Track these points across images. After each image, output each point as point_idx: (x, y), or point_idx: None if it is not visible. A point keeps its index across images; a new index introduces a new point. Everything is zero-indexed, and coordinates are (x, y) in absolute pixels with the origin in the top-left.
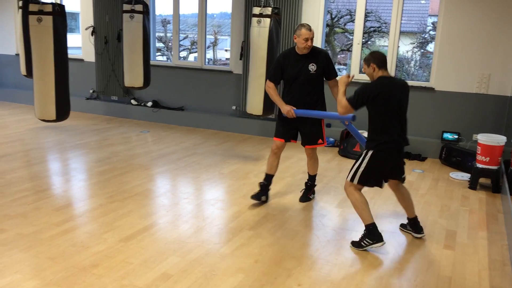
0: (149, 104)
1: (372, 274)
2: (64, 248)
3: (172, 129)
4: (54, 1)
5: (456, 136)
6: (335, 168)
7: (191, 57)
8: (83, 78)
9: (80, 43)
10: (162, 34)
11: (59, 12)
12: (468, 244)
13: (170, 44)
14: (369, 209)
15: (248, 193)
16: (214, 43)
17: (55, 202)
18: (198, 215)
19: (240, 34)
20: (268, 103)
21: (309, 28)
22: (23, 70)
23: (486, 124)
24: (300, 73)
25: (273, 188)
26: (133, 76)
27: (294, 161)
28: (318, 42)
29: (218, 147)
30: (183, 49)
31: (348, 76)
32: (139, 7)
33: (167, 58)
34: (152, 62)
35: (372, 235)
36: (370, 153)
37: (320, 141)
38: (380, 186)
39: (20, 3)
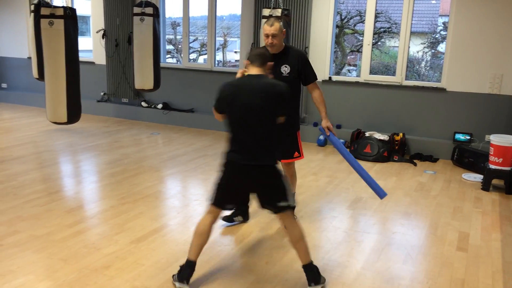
0: (160, 106)
1: (384, 277)
2: (76, 250)
3: (182, 131)
4: (65, 5)
5: (468, 137)
6: (345, 170)
7: (201, 59)
8: (94, 81)
9: (91, 46)
10: (172, 37)
11: (70, 16)
12: (481, 246)
13: (179, 46)
14: (200, 247)
15: None
16: (224, 45)
17: (67, 204)
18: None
19: (249, 35)
20: None
21: (271, 23)
22: (35, 73)
23: (498, 125)
24: (272, 75)
25: None
26: (143, 79)
27: (304, 162)
28: (328, 43)
29: None
30: (193, 51)
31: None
32: (149, 10)
33: (177, 60)
34: (162, 65)
35: (181, 274)
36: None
37: (296, 154)
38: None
39: (32, 7)
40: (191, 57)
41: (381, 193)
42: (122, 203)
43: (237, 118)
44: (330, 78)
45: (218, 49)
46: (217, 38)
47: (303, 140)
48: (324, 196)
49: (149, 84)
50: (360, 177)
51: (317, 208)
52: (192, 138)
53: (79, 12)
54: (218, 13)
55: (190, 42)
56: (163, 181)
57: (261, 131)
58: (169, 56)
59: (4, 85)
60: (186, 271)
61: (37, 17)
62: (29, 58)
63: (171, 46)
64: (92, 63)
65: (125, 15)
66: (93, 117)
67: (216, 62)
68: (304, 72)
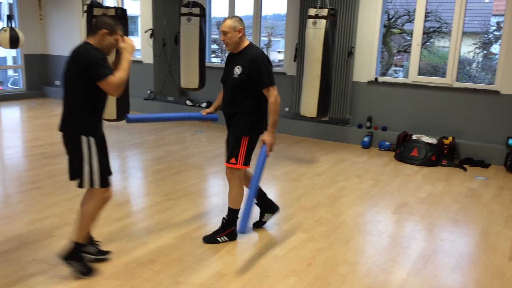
0: (204, 104)
1: (432, 285)
2: (124, 243)
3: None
4: (116, 5)
5: None
6: (390, 173)
7: None
8: (142, 79)
9: (139, 46)
10: (217, 36)
11: (121, 16)
12: None
13: (224, 46)
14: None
15: (301, 196)
16: (268, 45)
17: (115, 198)
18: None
19: (294, 35)
20: (322, 105)
21: (224, 20)
22: None
23: None
24: (227, 75)
25: (327, 191)
26: (189, 78)
27: (348, 164)
28: (375, 43)
29: None
30: None
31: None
32: (196, 10)
33: (221, 60)
34: (207, 64)
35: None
36: None
37: (232, 160)
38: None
39: (85, 8)
40: None
41: (241, 226)
42: (167, 200)
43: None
44: (376, 79)
45: (262, 48)
46: (261, 38)
47: (347, 142)
48: (368, 199)
49: (195, 83)
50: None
51: (361, 211)
52: None
53: (128, 13)
54: (263, 13)
55: None
56: (206, 179)
57: (67, 96)
58: (213, 55)
59: (57, 83)
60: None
61: (90, 18)
62: None
63: (216, 45)
64: (140, 62)
65: (173, 15)
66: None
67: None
68: (255, 76)
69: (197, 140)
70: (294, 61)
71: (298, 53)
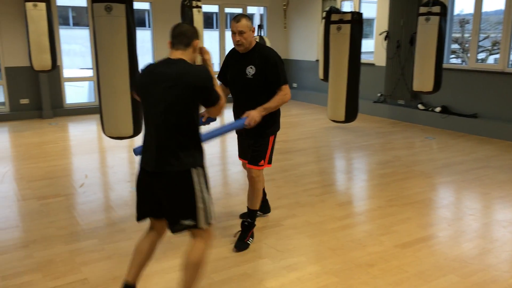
0: (438, 109)
1: None
2: (344, 242)
3: (462, 137)
4: (353, 10)
5: None
6: None
7: (491, 59)
8: (372, 82)
9: (372, 48)
10: (458, 35)
11: (356, 20)
12: None
13: (466, 45)
14: (132, 263)
15: None
16: None
17: (338, 198)
18: (485, 235)
19: None
20: None
21: (238, 19)
22: (320, 74)
23: None
24: (237, 76)
25: None
26: (422, 80)
27: None
28: None
29: None
30: (482, 51)
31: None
32: (436, 9)
33: (462, 61)
34: (444, 65)
35: None
36: None
37: (261, 162)
38: (137, 218)
39: (324, 14)
40: (479, 57)
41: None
42: (389, 205)
43: (150, 111)
44: None
45: None
46: None
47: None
48: None
49: (429, 86)
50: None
51: None
52: (472, 146)
53: (365, 15)
54: None
55: (480, 41)
56: (434, 188)
57: (167, 130)
58: (453, 56)
59: (294, 85)
60: None
61: (327, 23)
62: (317, 61)
63: (457, 45)
64: (372, 64)
65: (410, 16)
66: (368, 117)
67: (511, 63)
68: (271, 75)
69: (427, 147)
70: None
71: None
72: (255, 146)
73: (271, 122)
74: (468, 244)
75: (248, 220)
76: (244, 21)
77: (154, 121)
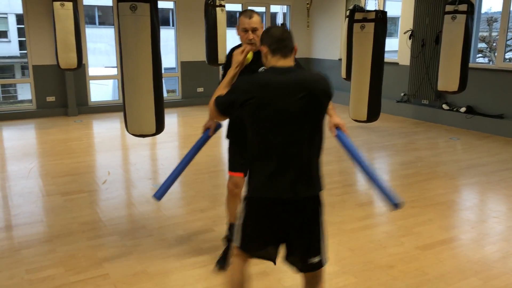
0: (462, 109)
1: None
2: (363, 243)
3: (487, 138)
4: (377, 8)
5: None
6: None
7: None
8: (396, 81)
9: (396, 47)
10: (486, 34)
11: (380, 19)
12: None
13: (494, 44)
14: None
15: None
16: None
17: (359, 198)
18: (509, 238)
19: None
20: None
21: (250, 15)
22: (343, 73)
23: None
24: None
25: None
26: (447, 80)
27: None
28: None
29: None
30: (510, 50)
31: (243, 51)
32: (463, 7)
33: (489, 60)
34: (470, 65)
35: None
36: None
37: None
38: (266, 257)
39: (347, 13)
40: (507, 56)
41: (393, 200)
42: (411, 206)
43: (271, 130)
44: None
45: None
46: None
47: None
48: None
49: (454, 86)
50: (369, 180)
51: None
52: (498, 147)
53: (389, 14)
54: None
55: (508, 39)
56: (458, 190)
57: (302, 149)
58: (480, 55)
59: None
60: None
61: (351, 22)
62: (340, 60)
63: (484, 44)
64: (396, 63)
65: (436, 14)
66: (391, 117)
67: None
68: None
69: (451, 147)
70: None
71: None
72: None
73: None
74: (491, 247)
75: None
76: (256, 17)
77: (286, 139)
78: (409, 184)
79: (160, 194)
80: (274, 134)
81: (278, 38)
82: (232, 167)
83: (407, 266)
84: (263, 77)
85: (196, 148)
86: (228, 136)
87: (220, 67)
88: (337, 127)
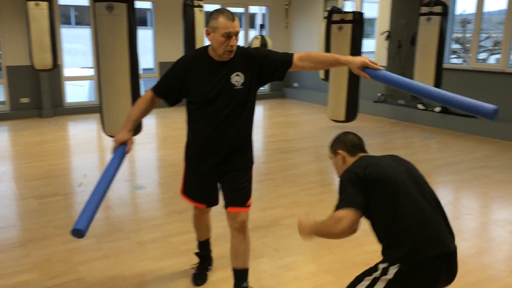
0: (437, 109)
1: None
2: (341, 242)
3: (461, 137)
4: (354, 10)
5: None
6: None
7: (492, 59)
8: (373, 82)
9: (373, 48)
10: (460, 35)
11: (358, 20)
12: None
13: (468, 45)
14: None
15: None
16: None
17: (336, 197)
18: (482, 235)
19: None
20: None
21: (232, 17)
22: (321, 74)
23: None
24: (220, 91)
25: None
26: (423, 80)
27: None
28: None
29: None
30: (483, 51)
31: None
32: (437, 9)
33: (463, 61)
34: (445, 65)
35: None
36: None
37: (249, 201)
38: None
39: (325, 14)
40: (480, 57)
41: (487, 110)
42: None
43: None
44: None
45: None
46: None
47: None
48: None
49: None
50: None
51: None
52: (471, 145)
53: (367, 15)
54: None
55: (481, 41)
56: (433, 188)
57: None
58: (454, 56)
59: (295, 84)
60: None
61: (329, 23)
62: None
63: (458, 45)
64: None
65: (412, 16)
66: (368, 117)
67: (511, 62)
68: (271, 62)
69: (427, 146)
70: None
71: None
72: (239, 183)
73: (252, 148)
74: (464, 243)
75: (246, 285)
76: (237, 21)
77: (426, 204)
78: None
79: (85, 224)
80: (414, 200)
81: (357, 143)
82: (192, 196)
83: None
84: (382, 162)
85: (115, 168)
86: (187, 162)
87: None
88: (364, 66)
